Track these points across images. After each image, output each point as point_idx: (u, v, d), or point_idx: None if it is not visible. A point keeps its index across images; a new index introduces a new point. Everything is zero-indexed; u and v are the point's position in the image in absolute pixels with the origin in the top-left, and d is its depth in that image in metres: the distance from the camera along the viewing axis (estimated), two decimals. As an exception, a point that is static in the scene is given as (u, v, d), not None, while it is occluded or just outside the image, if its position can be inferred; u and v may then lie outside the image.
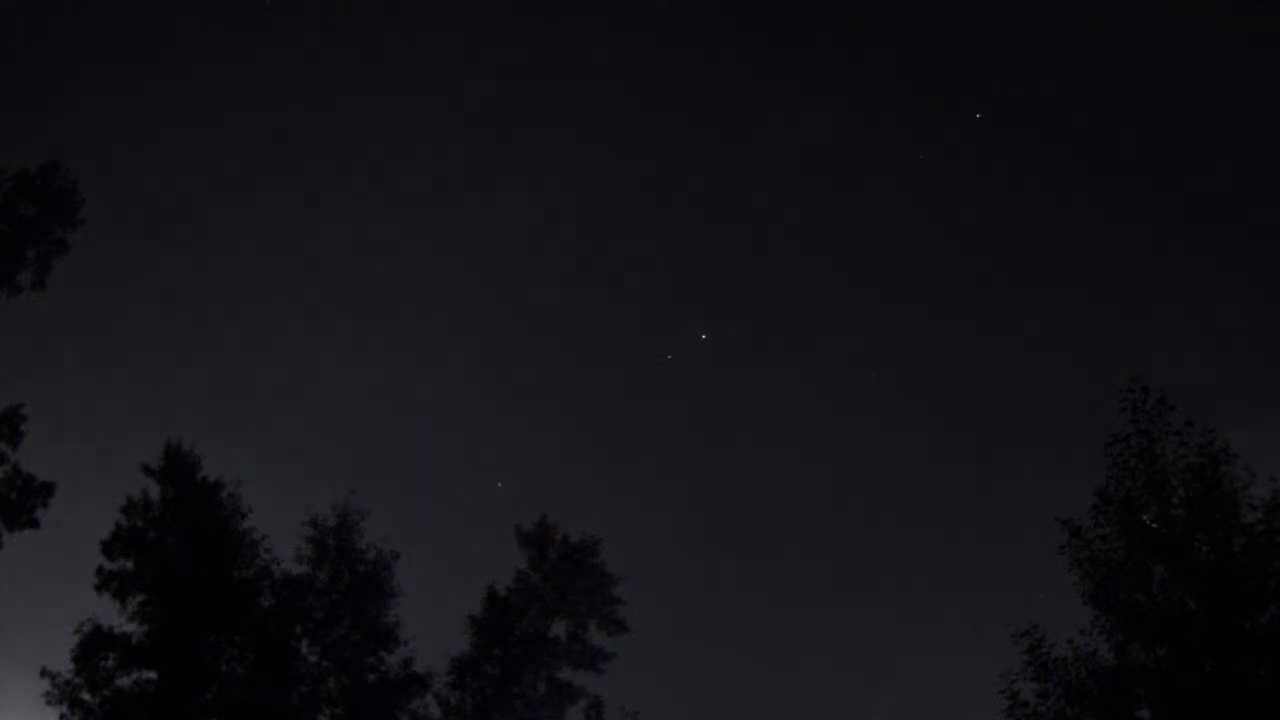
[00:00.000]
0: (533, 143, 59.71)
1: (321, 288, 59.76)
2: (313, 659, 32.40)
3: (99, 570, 30.36)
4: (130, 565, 30.48)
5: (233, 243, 57.43)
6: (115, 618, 29.98)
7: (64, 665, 29.19)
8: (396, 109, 58.82)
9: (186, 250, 56.49)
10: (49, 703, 28.85)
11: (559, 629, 35.37)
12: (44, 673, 29.00)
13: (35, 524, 29.53)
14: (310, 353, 56.95)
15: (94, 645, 29.43)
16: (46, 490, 29.55)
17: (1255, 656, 18.90)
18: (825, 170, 58.52)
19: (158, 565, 30.41)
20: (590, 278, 60.61)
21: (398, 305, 59.27)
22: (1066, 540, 20.68)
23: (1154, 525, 19.80)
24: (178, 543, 30.78)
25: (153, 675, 29.52)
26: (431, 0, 56.79)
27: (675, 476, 59.51)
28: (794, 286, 60.05)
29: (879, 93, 58.16)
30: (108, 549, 30.56)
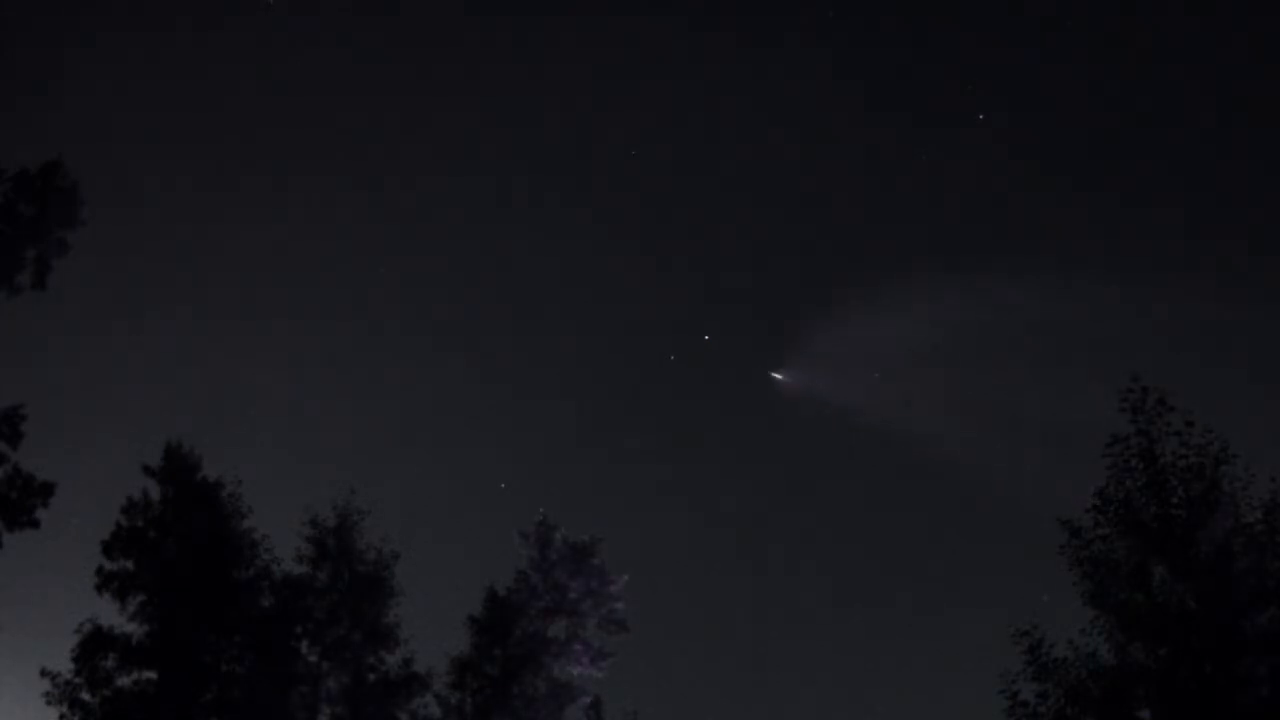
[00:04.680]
0: (536, 140, 59.74)
1: (323, 287, 59.80)
2: (313, 659, 32.40)
3: (99, 570, 30.36)
4: (130, 565, 30.48)
5: (233, 242, 57.46)
6: (115, 618, 30.03)
7: (64, 665, 29.24)
8: (398, 106, 58.85)
9: (186, 249, 56.52)
10: (49, 703, 28.87)
11: (559, 629, 35.38)
12: (44, 673, 29.01)
13: (35, 524, 29.44)
14: (311, 352, 57.01)
15: (94, 645, 29.45)
16: (46, 490, 29.44)
17: (1255, 656, 18.90)
18: (826, 171, 58.52)
19: (158, 565, 30.43)
20: (593, 277, 60.64)
21: (399, 304, 59.30)
22: (1066, 540, 20.68)
23: (1154, 525, 19.80)
24: (178, 543, 30.79)
25: (153, 675, 29.53)
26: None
27: (677, 476, 59.54)
28: (796, 287, 60.08)
29: (881, 93, 58.16)
30: (108, 549, 30.57)
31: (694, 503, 58.91)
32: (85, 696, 28.91)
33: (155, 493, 31.49)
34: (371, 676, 32.70)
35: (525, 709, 33.95)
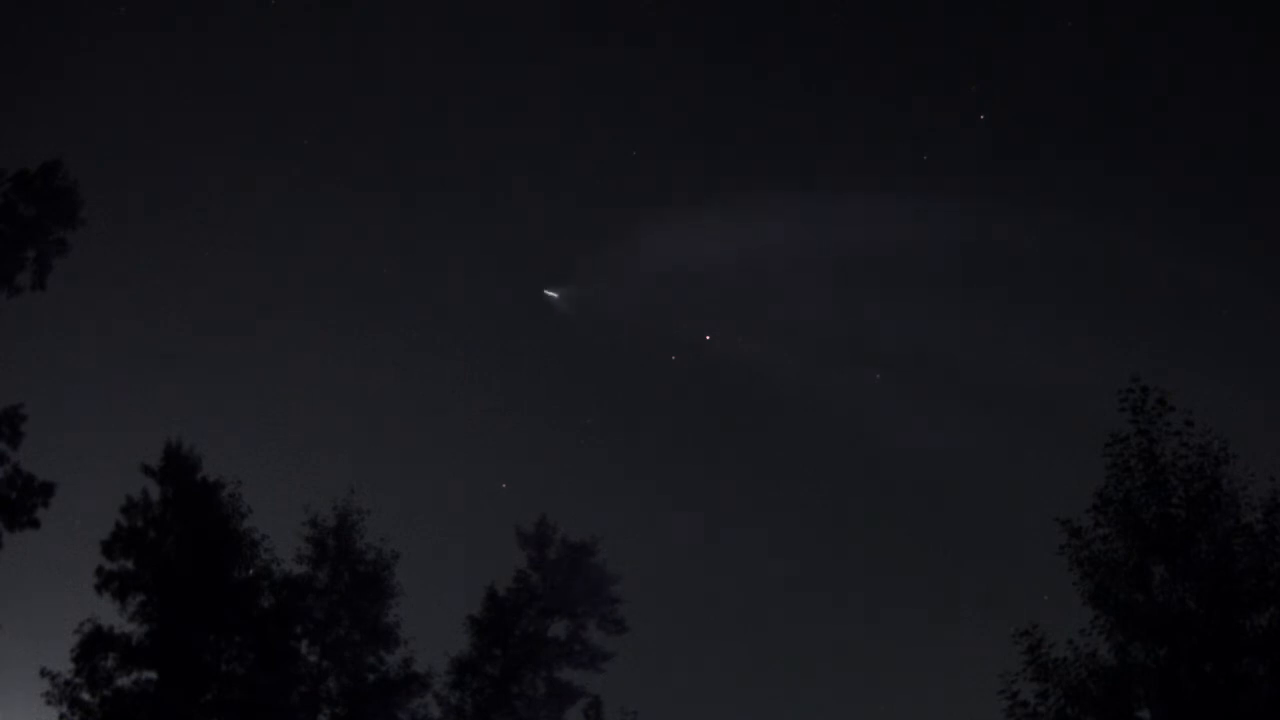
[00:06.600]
0: (533, 141, 59.73)
1: (322, 287, 59.74)
2: (313, 659, 32.41)
3: (99, 570, 30.38)
4: (130, 565, 30.51)
5: (233, 241, 57.43)
6: (115, 618, 30.06)
7: (64, 665, 29.27)
8: (397, 106, 58.84)
9: (187, 250, 56.45)
10: (49, 703, 28.92)
11: (559, 629, 35.43)
12: (44, 673, 29.05)
13: (35, 524, 29.52)
14: (311, 352, 56.89)
15: (94, 645, 29.47)
16: (46, 490, 29.53)
17: (1255, 656, 18.90)
18: (827, 171, 58.49)
19: (158, 565, 30.45)
20: (594, 278, 60.61)
21: (400, 304, 59.26)
22: (1066, 540, 20.68)
23: (1154, 525, 19.80)
24: (177, 543, 30.81)
25: (153, 675, 29.56)
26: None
27: (678, 477, 59.49)
28: (797, 287, 60.00)
29: (882, 93, 58.16)
30: (108, 549, 30.59)
31: (696, 503, 58.92)
32: (85, 696, 28.94)
33: (155, 493, 31.52)
34: (371, 676, 32.72)
35: (525, 709, 33.98)
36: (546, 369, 60.79)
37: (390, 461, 55.08)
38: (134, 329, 53.71)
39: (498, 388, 59.33)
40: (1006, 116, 54.89)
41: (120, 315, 53.39)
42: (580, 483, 56.56)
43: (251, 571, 31.72)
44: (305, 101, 57.53)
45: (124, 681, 29.37)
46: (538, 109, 59.04)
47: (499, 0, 55.87)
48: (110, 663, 29.42)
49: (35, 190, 30.64)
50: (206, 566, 30.63)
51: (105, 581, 30.24)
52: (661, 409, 60.20)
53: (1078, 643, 20.04)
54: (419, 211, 58.97)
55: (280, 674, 30.99)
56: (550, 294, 54.30)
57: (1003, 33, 55.30)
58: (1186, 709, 18.82)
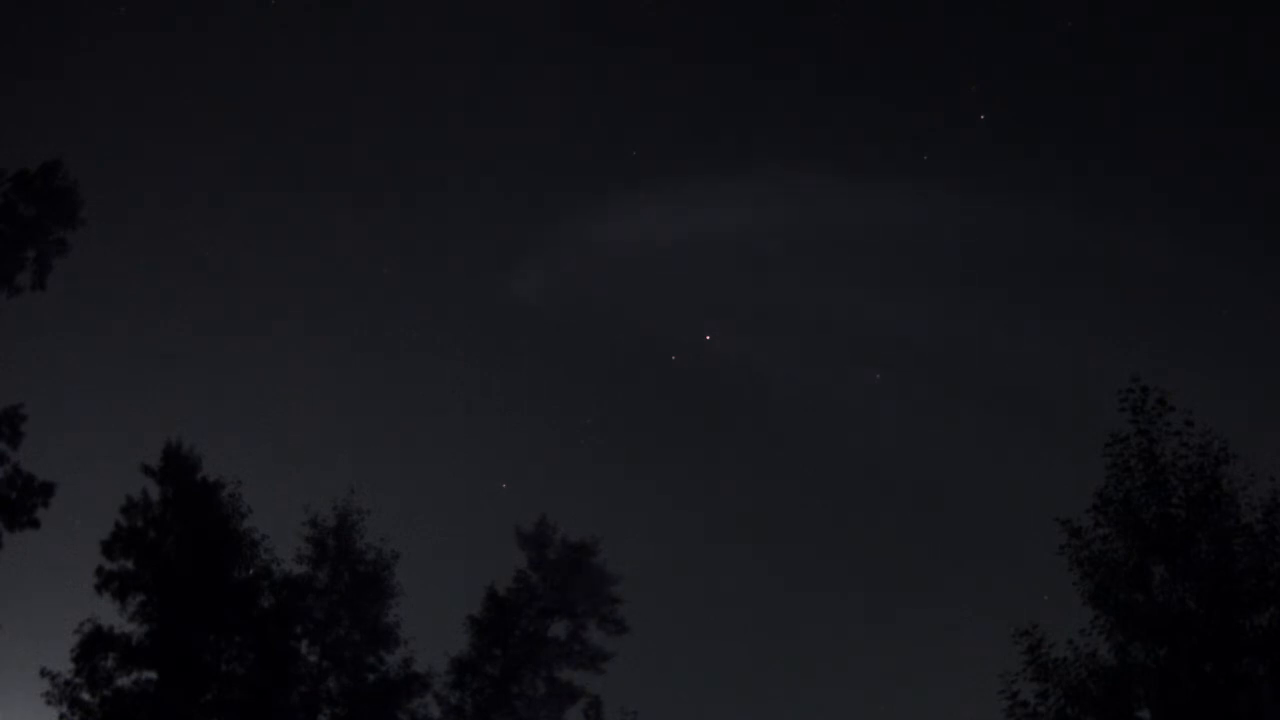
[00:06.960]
0: (533, 141, 59.77)
1: (323, 287, 59.86)
2: (313, 659, 32.40)
3: (99, 570, 30.37)
4: (130, 565, 30.51)
5: (233, 242, 57.50)
6: (115, 618, 30.05)
7: (64, 665, 29.27)
8: (397, 106, 58.91)
9: (187, 250, 56.53)
10: (49, 703, 28.91)
11: (559, 629, 35.43)
12: (44, 673, 29.04)
13: (35, 524, 29.55)
14: (311, 352, 57.01)
15: (94, 645, 29.46)
16: (46, 490, 29.56)
17: (1255, 656, 18.91)
18: (827, 171, 58.53)
19: (158, 565, 30.45)
20: (594, 277, 60.67)
21: (400, 304, 59.35)
22: (1066, 540, 20.68)
23: (1154, 525, 19.80)
24: (177, 543, 30.80)
25: (153, 675, 29.56)
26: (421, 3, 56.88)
27: (678, 477, 59.55)
28: (797, 286, 60.03)
29: (883, 94, 58.18)
30: (108, 549, 30.58)
31: (697, 503, 58.95)
32: (85, 696, 28.93)
33: (155, 493, 31.51)
34: (371, 676, 32.71)
35: (525, 709, 33.98)
36: (546, 369, 60.89)
37: (390, 461, 55.16)
38: (134, 329, 53.80)
39: (498, 388, 59.41)
40: (1006, 117, 54.92)
41: (120, 315, 53.48)
42: (580, 483, 56.62)
43: (251, 571, 31.71)
44: (305, 101, 57.63)
45: (124, 681, 29.37)
46: (538, 109, 59.09)
47: (499, 0, 56.00)
48: (110, 663, 29.42)
49: (35, 190, 30.68)
50: (206, 566, 30.63)
51: (105, 581, 30.23)
52: (661, 409, 60.27)
53: (1078, 643, 20.06)
54: (419, 211, 59.03)
55: (280, 674, 30.98)
56: (521, 288, 54.37)
57: (1003, 33, 55.36)
58: (1186, 709, 18.82)
